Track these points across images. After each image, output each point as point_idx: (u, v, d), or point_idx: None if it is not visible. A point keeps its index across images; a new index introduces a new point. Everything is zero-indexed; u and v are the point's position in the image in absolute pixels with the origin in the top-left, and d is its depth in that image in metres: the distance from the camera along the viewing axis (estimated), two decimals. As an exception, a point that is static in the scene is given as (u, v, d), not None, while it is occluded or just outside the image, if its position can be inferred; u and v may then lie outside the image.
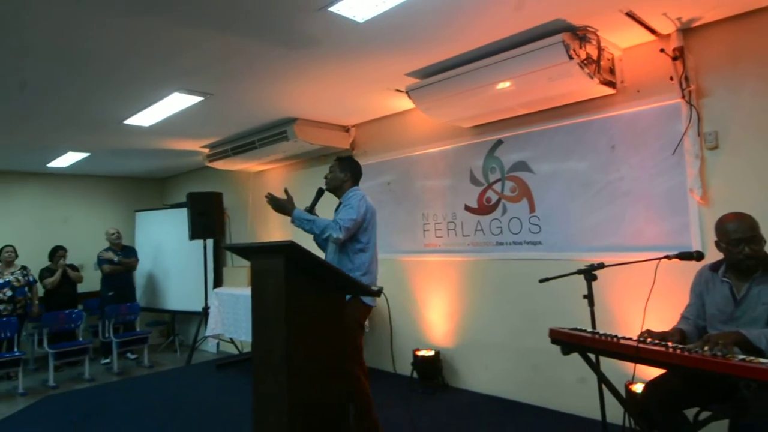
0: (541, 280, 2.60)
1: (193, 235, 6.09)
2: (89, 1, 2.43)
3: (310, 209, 3.10)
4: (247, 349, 5.83)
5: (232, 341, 5.91)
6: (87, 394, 4.55)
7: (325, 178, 3.22)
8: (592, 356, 2.29)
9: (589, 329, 2.31)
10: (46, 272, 6.20)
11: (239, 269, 5.69)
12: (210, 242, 6.51)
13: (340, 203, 3.11)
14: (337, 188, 3.17)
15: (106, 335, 6.01)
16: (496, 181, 4.00)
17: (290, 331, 1.90)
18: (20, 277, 5.85)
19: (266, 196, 3.02)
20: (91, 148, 5.65)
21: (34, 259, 6.29)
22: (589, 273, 2.41)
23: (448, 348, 4.23)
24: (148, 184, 8.27)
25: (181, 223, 6.69)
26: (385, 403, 3.71)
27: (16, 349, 5.40)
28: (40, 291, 6.19)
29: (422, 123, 4.48)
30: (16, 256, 5.95)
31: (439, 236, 4.37)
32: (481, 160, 4.09)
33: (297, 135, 4.70)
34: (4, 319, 5.43)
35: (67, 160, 6.17)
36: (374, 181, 4.93)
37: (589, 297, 2.42)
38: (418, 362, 4.14)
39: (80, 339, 5.89)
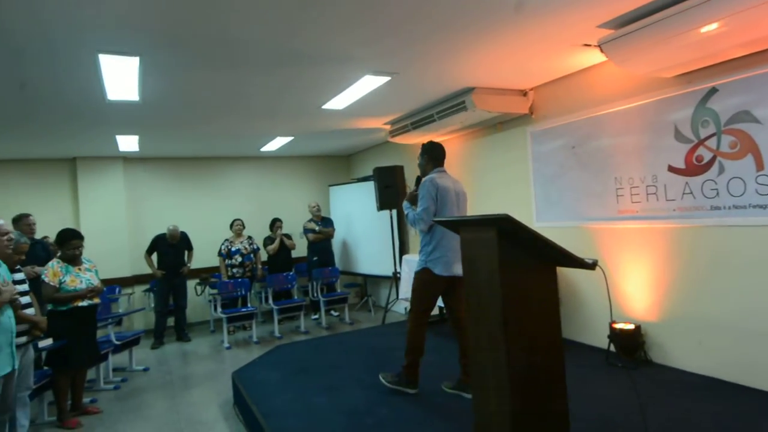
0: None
1: (381, 206, 6.45)
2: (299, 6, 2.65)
3: (414, 190, 3.52)
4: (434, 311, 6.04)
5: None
6: (307, 345, 5.18)
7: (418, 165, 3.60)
8: None
9: None
10: (268, 240, 7.23)
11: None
12: (395, 212, 6.84)
13: None
14: (425, 173, 3.52)
15: (315, 295, 6.79)
16: (709, 136, 3.42)
17: (506, 300, 1.88)
18: (247, 246, 6.89)
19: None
20: (295, 132, 6.30)
21: (251, 230, 7.33)
22: None
23: (651, 322, 3.83)
24: (338, 160, 8.97)
25: (367, 195, 7.15)
26: (589, 376, 3.56)
27: (249, 305, 6.42)
28: (263, 256, 7.23)
29: (612, 78, 4.02)
30: (244, 227, 7.00)
31: (636, 201, 3.93)
32: (689, 113, 3.52)
33: (475, 104, 4.60)
34: (240, 280, 6.47)
35: (276, 144, 7.00)
36: (555, 145, 4.61)
37: None
38: (616, 335, 3.83)
39: (295, 297, 6.76)
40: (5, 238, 2.96)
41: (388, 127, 6.17)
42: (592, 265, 1.95)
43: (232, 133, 6.07)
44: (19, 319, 3.07)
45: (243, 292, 6.39)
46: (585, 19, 3.16)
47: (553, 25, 3.23)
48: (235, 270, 6.70)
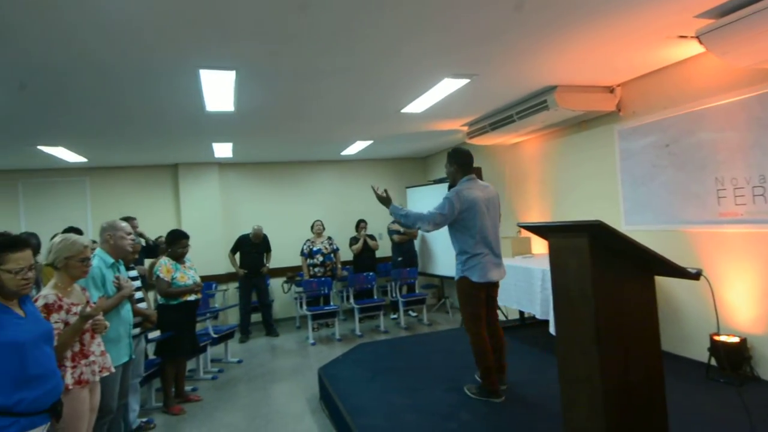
0: None
1: (459, 208, 6.37)
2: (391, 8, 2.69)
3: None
4: (512, 315, 5.90)
5: (498, 307, 6.04)
6: (387, 344, 5.24)
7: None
8: None
9: None
10: (352, 240, 7.41)
11: (503, 240, 5.68)
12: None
13: None
14: (454, 181, 3.49)
15: (394, 295, 6.86)
16: (830, 132, 3.05)
17: (598, 311, 1.79)
18: (327, 246, 7.09)
19: (372, 186, 3.55)
20: (374, 136, 6.40)
21: (332, 230, 7.53)
22: None
23: (758, 335, 3.46)
24: (414, 162, 8.98)
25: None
26: (689, 392, 3.29)
27: (332, 303, 6.61)
28: (343, 256, 7.41)
29: (711, 70, 3.69)
30: (324, 228, 7.22)
31: (740, 203, 3.58)
32: (805, 107, 3.16)
33: (558, 103, 4.42)
34: (322, 279, 6.67)
35: (355, 148, 7.15)
36: (646, 143, 4.30)
37: None
38: (718, 349, 3.52)
39: (375, 297, 6.86)
40: (130, 237, 3.25)
41: (465, 128, 6.09)
42: (695, 275, 1.80)
43: (316, 138, 6.28)
44: (134, 312, 3.37)
45: (326, 291, 6.60)
46: (681, 9, 2.93)
47: (646, 17, 3.02)
48: (316, 269, 6.92)
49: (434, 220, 3.33)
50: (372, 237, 7.43)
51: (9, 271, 1.93)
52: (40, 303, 2.38)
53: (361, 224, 7.41)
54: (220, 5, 2.47)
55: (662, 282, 4.09)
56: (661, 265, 1.83)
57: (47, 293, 2.44)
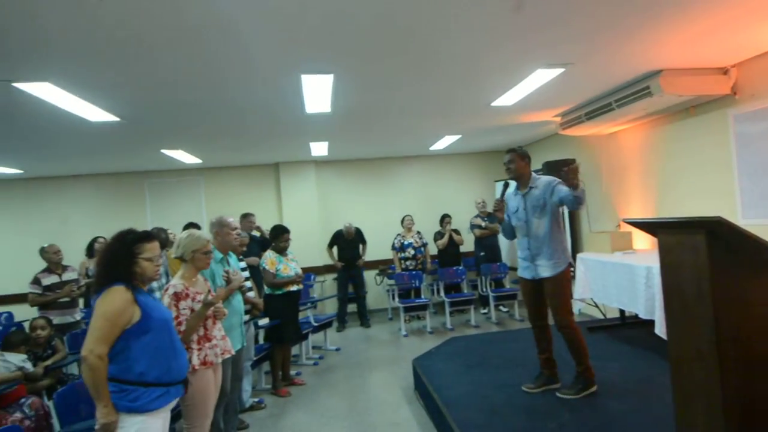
0: None
1: (553, 201, 6.11)
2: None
3: (501, 199, 3.56)
4: (611, 314, 5.56)
5: (596, 305, 5.73)
6: (479, 339, 5.17)
7: (508, 169, 3.55)
8: None
9: None
10: (437, 235, 7.40)
11: (600, 235, 5.42)
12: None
13: (531, 187, 3.47)
14: (521, 175, 3.52)
15: (484, 290, 6.75)
16: None
17: (718, 314, 1.64)
18: (417, 240, 7.14)
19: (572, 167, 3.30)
20: (463, 130, 6.33)
21: (420, 225, 7.53)
22: None
23: None
24: (502, 156, 8.71)
25: (537, 190, 6.82)
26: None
27: (422, 296, 6.66)
28: (431, 250, 7.42)
29: None
30: (413, 222, 7.27)
31: None
32: None
33: (663, 88, 4.06)
34: (414, 272, 6.74)
35: (444, 142, 7.11)
36: (765, 126, 3.84)
37: None
38: None
39: (464, 291, 6.81)
40: (235, 232, 3.51)
41: (558, 119, 5.82)
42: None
43: (406, 135, 6.35)
44: (243, 301, 3.63)
45: (417, 284, 6.66)
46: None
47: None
48: (408, 263, 7.00)
49: None
50: (457, 231, 7.35)
51: (148, 259, 2.17)
52: (170, 291, 2.66)
53: (446, 219, 7.34)
54: (321, 14, 2.58)
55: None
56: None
57: (176, 283, 2.71)
